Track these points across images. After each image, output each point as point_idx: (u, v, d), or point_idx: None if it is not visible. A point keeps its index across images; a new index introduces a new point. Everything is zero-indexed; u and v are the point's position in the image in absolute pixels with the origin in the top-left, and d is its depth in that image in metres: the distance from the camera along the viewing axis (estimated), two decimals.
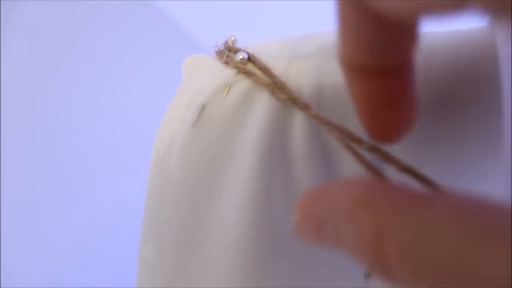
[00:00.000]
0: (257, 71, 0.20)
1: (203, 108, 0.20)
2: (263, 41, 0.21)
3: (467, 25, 0.20)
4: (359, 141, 0.17)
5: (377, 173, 0.17)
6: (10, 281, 0.66)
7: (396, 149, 0.17)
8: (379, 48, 0.14)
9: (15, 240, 0.66)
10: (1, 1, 0.64)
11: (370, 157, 0.17)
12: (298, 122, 0.18)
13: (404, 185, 0.12)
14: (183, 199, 0.20)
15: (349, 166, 0.18)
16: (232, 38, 0.21)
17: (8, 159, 0.64)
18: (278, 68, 0.19)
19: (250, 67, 0.20)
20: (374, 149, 0.17)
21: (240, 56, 0.20)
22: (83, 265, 0.70)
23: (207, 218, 0.19)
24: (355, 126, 0.17)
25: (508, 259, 0.09)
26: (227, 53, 0.21)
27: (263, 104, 0.19)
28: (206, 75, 0.21)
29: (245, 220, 0.18)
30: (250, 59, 0.20)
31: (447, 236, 0.10)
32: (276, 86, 0.19)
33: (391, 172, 0.16)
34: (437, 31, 0.20)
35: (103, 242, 0.70)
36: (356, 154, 0.17)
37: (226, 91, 0.20)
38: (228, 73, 0.20)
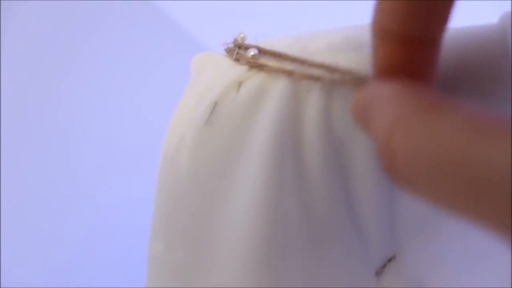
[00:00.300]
0: (271, 62, 0.20)
1: (215, 105, 0.20)
2: (272, 39, 0.21)
3: (479, 21, 0.20)
4: None
5: None
6: (10, 281, 0.66)
7: None
8: (414, 17, 0.14)
9: (15, 240, 0.66)
10: (1, 1, 0.64)
11: None
12: (311, 117, 0.18)
13: (429, 90, 0.13)
14: (194, 196, 0.19)
15: (362, 160, 0.18)
16: (242, 35, 0.21)
17: (8, 159, 0.64)
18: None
19: (264, 60, 0.20)
20: None
21: (252, 52, 0.20)
22: (84, 265, 0.70)
23: (219, 215, 0.19)
24: None
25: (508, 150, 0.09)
26: (237, 50, 0.21)
27: (275, 100, 0.19)
28: (216, 73, 0.21)
29: (257, 216, 0.18)
30: (261, 52, 0.20)
31: (453, 134, 0.10)
32: (295, 62, 0.19)
33: None
34: (449, 27, 0.20)
35: (104, 243, 0.70)
36: None
37: (237, 88, 0.20)
38: (239, 69, 0.20)
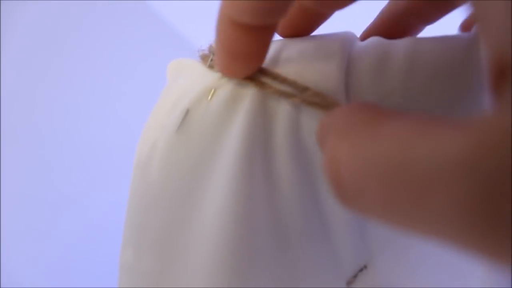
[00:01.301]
0: None
1: (187, 113, 0.19)
2: None
3: (454, 31, 0.20)
4: None
5: None
6: (10, 281, 0.66)
7: None
8: (265, 13, 0.16)
9: (15, 240, 0.66)
10: (1, 1, 0.65)
11: None
12: (280, 127, 0.18)
13: (367, 105, 0.13)
14: (165, 203, 0.19)
15: None
16: None
17: (8, 159, 0.65)
18: None
19: None
20: None
21: None
22: (84, 265, 0.70)
23: (188, 223, 0.19)
24: None
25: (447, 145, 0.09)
26: (211, 56, 0.21)
27: (245, 109, 0.18)
28: (190, 79, 0.21)
29: (226, 225, 0.18)
30: None
31: (392, 138, 0.10)
32: (267, 77, 0.19)
33: None
34: (423, 37, 0.20)
35: (105, 243, 0.70)
36: None
37: (210, 96, 0.19)
38: (212, 76, 0.20)
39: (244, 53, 0.18)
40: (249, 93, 0.19)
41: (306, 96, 0.18)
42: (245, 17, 0.16)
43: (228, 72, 0.19)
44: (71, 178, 0.69)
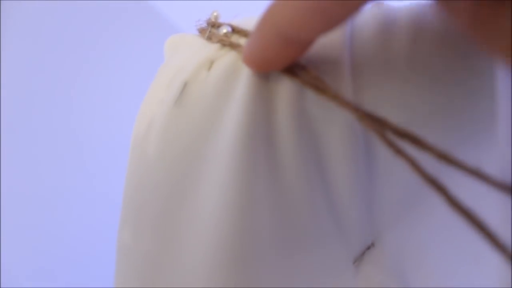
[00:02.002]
0: (242, 41, 0.18)
1: (185, 86, 0.18)
2: (247, 17, 0.20)
3: None
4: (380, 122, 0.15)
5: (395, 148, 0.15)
6: (10, 281, 0.66)
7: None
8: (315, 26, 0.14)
9: (15, 240, 0.65)
10: (1, 1, 0.64)
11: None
12: (283, 97, 0.17)
13: None
14: (162, 182, 0.18)
15: (337, 139, 0.17)
16: (215, 14, 0.20)
17: (8, 159, 0.64)
18: None
19: (235, 39, 0.19)
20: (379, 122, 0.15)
21: (224, 30, 0.19)
22: (84, 265, 0.69)
23: (188, 201, 0.18)
24: None
25: None
26: (209, 29, 0.20)
27: (247, 79, 0.17)
28: (189, 53, 0.20)
29: (227, 203, 0.17)
30: (235, 30, 0.19)
31: None
32: None
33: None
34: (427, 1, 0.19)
35: (105, 243, 0.70)
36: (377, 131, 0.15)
37: (209, 67, 0.19)
38: (211, 48, 0.19)
39: (303, 39, 0.15)
40: None
41: (310, 73, 0.17)
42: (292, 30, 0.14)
43: (266, 63, 0.16)
44: (71, 177, 0.69)
